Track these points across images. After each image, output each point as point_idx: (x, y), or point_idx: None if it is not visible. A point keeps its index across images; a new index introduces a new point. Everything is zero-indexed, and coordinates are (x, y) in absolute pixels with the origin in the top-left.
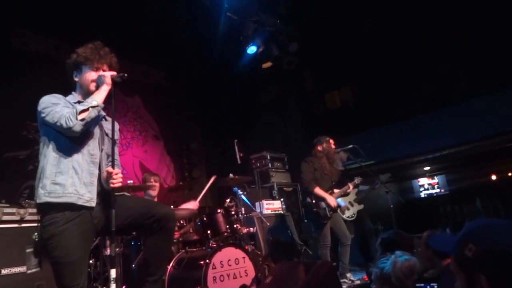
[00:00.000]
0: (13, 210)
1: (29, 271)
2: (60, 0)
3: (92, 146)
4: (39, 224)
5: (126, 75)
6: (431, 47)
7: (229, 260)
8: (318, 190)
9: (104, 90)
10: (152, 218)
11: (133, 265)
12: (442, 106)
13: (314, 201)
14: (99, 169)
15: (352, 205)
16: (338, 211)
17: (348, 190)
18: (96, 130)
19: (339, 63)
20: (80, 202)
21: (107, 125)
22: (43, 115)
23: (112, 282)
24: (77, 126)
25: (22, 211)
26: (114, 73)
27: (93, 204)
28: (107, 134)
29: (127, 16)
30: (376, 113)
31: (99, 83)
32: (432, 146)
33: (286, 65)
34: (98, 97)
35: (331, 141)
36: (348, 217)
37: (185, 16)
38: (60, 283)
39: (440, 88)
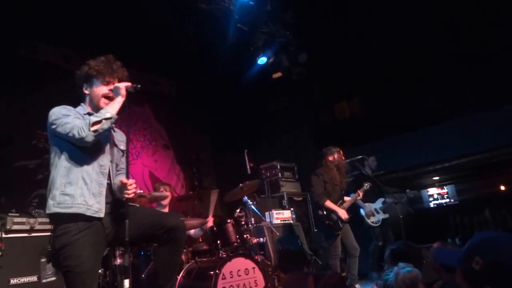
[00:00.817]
0: (23, 219)
1: (44, 280)
2: (70, 10)
3: (102, 156)
4: (52, 234)
5: (139, 86)
6: (438, 58)
7: (239, 270)
8: (328, 204)
9: (119, 101)
10: (163, 229)
11: (143, 275)
12: (451, 116)
13: (325, 214)
14: (109, 179)
15: (378, 212)
16: (365, 217)
17: (358, 198)
18: (106, 141)
19: (348, 74)
20: (88, 213)
21: (116, 135)
22: (54, 126)
23: None
24: (89, 137)
25: (32, 220)
26: (129, 84)
27: (102, 214)
28: (116, 145)
29: (137, 26)
30: (385, 124)
31: (114, 94)
32: (441, 156)
33: (295, 75)
34: (112, 109)
35: (341, 152)
36: (373, 222)
37: (195, 26)
38: None
39: (449, 99)
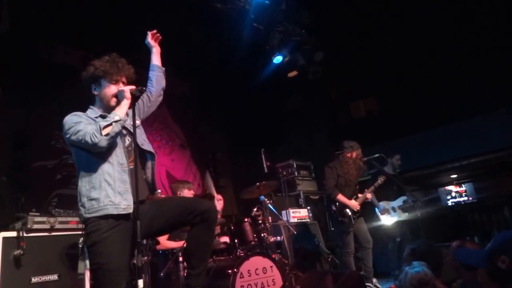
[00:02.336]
0: (44, 219)
1: (80, 277)
2: (86, 13)
3: (120, 156)
4: (83, 232)
5: (144, 88)
6: (457, 57)
7: (257, 269)
8: (340, 197)
9: (125, 104)
10: (193, 214)
11: (161, 274)
12: (469, 114)
13: (338, 210)
14: (134, 177)
15: (395, 211)
16: (379, 215)
17: (370, 194)
18: (121, 140)
19: (364, 73)
20: (116, 212)
21: (140, 135)
22: (68, 135)
23: None
24: (103, 141)
25: (52, 220)
26: (133, 87)
27: (131, 210)
28: (140, 143)
29: (152, 27)
30: (402, 123)
31: (119, 98)
32: (459, 154)
33: (311, 74)
34: (120, 112)
35: (361, 150)
36: (386, 220)
37: (211, 26)
38: None
39: (468, 97)
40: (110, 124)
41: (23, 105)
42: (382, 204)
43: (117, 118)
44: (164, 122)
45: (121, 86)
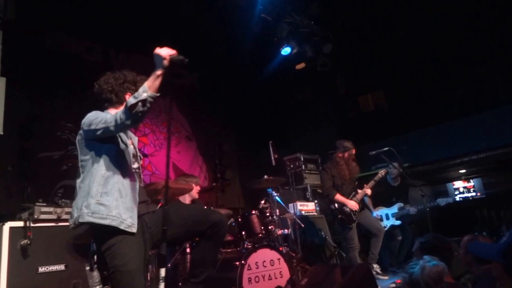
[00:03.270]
0: (50, 209)
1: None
2: (93, 3)
3: (131, 171)
4: (93, 239)
5: (187, 60)
6: (467, 50)
7: (264, 261)
8: (338, 197)
9: (158, 75)
10: (206, 225)
11: (169, 265)
12: (478, 109)
13: (337, 207)
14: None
15: (388, 218)
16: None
17: (367, 192)
18: (132, 155)
19: (373, 66)
20: (122, 227)
21: (134, 141)
22: (93, 127)
23: (161, 281)
24: (130, 119)
25: (59, 210)
26: (174, 52)
27: (134, 230)
28: (140, 157)
29: (159, 17)
30: (411, 116)
31: (156, 63)
32: (468, 149)
33: (320, 66)
34: (150, 87)
35: (354, 151)
36: None
37: (218, 17)
38: None
39: (477, 91)
40: (136, 104)
41: (30, 95)
42: (376, 211)
43: (144, 96)
44: (170, 114)
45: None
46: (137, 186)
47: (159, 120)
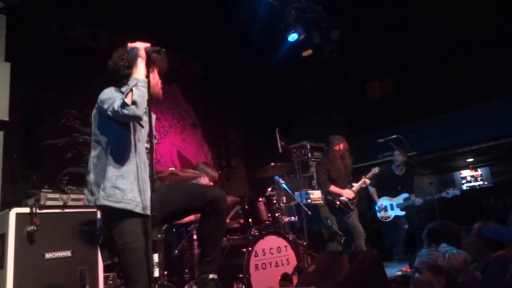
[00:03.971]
0: (56, 195)
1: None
2: None
3: (143, 153)
4: (102, 219)
5: (163, 49)
6: (477, 37)
7: (271, 248)
8: (333, 188)
9: (140, 63)
10: (204, 201)
11: (176, 251)
12: (487, 97)
13: (334, 198)
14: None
15: (392, 209)
16: (377, 211)
17: (366, 182)
18: (145, 137)
19: (381, 52)
20: (137, 210)
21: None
22: (105, 106)
23: (155, 266)
24: (132, 110)
25: (65, 196)
26: (148, 44)
27: (149, 212)
28: (155, 137)
29: (165, 4)
30: (419, 104)
31: (132, 55)
32: (476, 137)
33: (327, 53)
34: (137, 74)
35: (346, 142)
36: (382, 217)
37: (224, 3)
38: (127, 273)
39: (486, 79)
40: (131, 91)
41: (34, 83)
42: (381, 201)
43: (133, 82)
44: (175, 101)
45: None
46: (148, 169)
47: (164, 107)
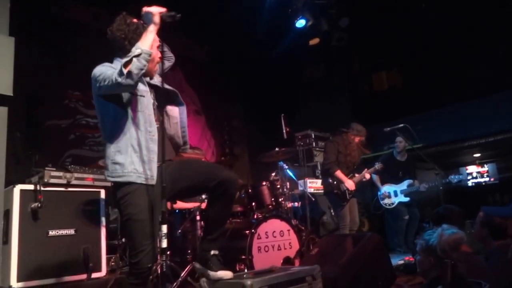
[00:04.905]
0: (60, 173)
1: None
2: None
3: (149, 123)
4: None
5: (179, 15)
6: (487, 28)
7: (274, 231)
8: (339, 173)
9: (151, 31)
10: (215, 181)
11: (179, 232)
12: (496, 90)
13: (335, 182)
14: (160, 145)
15: (396, 195)
16: (380, 198)
17: (364, 179)
18: (151, 105)
19: (390, 42)
20: (139, 180)
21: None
22: (98, 84)
23: (163, 237)
24: (125, 80)
25: (68, 175)
26: (164, 9)
27: (153, 182)
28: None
29: None
30: (426, 96)
31: (145, 21)
32: (484, 131)
33: (335, 41)
34: (143, 43)
35: (364, 138)
36: (385, 204)
37: None
38: (131, 243)
39: (495, 71)
40: (131, 61)
41: (37, 63)
42: (384, 188)
43: (137, 51)
44: (179, 86)
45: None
46: (156, 137)
47: None
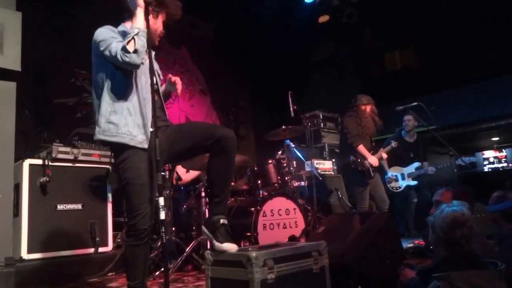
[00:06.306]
0: (67, 149)
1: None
2: None
3: (145, 90)
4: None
5: None
6: (507, 3)
7: (280, 209)
8: (362, 148)
9: (139, 12)
10: (212, 139)
11: (184, 207)
12: None
13: (358, 160)
14: (153, 110)
15: (403, 178)
16: (386, 182)
17: (383, 156)
18: (147, 73)
19: (404, 18)
20: (132, 143)
21: (156, 66)
22: (101, 48)
23: (161, 209)
24: (134, 58)
25: (75, 151)
26: None
27: (146, 146)
28: (158, 75)
29: None
30: (441, 75)
31: (131, 6)
32: (503, 112)
33: (346, 17)
34: (137, 24)
35: (374, 106)
36: (392, 188)
37: None
38: (129, 206)
39: None
40: (132, 39)
41: (44, 41)
42: (391, 171)
43: (136, 31)
44: (185, 65)
45: None
46: (150, 104)
47: (172, 71)
